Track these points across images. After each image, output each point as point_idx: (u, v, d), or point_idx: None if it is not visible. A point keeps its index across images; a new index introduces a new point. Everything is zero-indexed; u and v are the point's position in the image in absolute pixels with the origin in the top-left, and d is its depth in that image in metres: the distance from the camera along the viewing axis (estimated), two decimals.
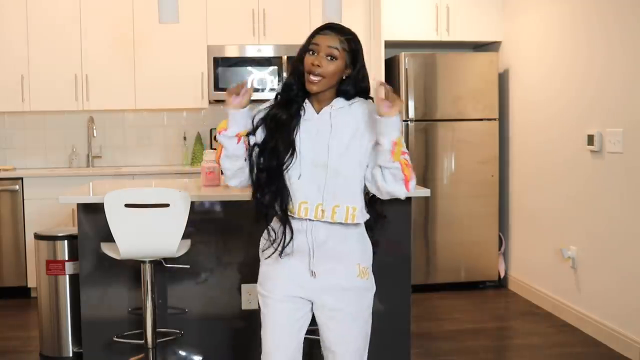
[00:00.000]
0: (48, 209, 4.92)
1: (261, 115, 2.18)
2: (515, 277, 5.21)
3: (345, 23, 5.38)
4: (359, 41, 2.15)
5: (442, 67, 5.15)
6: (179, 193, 2.91)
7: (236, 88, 2.12)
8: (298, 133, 2.12)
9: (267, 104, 2.20)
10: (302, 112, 2.14)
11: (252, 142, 2.16)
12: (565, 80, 4.40)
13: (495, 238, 5.29)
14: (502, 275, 5.31)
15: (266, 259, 2.20)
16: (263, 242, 2.24)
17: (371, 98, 2.21)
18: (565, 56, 4.40)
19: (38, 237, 3.74)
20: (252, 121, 2.16)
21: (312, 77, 2.08)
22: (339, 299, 2.16)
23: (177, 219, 2.92)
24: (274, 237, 2.15)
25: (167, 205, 2.90)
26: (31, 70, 5.22)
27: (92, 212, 3.28)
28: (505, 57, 5.28)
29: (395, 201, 3.43)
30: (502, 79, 5.32)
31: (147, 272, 3.06)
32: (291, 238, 2.13)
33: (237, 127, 2.14)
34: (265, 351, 2.19)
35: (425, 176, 5.15)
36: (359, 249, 2.20)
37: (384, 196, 2.17)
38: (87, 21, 5.26)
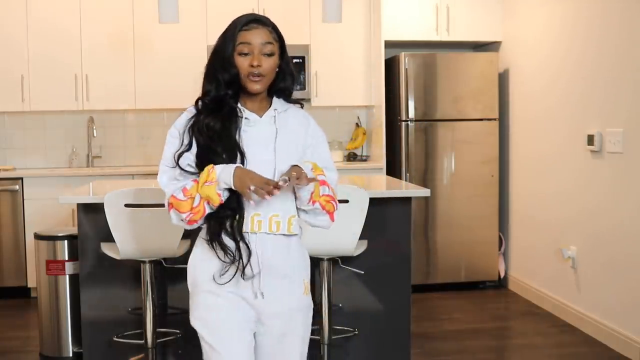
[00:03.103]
0: (48, 209, 4.91)
1: (184, 128, 1.97)
2: (515, 277, 5.21)
3: (345, 23, 5.39)
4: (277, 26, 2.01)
5: (442, 67, 5.15)
6: None
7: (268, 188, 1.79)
8: (241, 140, 1.93)
9: (185, 116, 1.99)
10: (240, 117, 1.95)
11: (187, 162, 1.93)
12: (565, 80, 4.40)
13: (495, 238, 5.29)
14: (502, 275, 5.31)
15: (223, 284, 1.91)
16: (193, 268, 1.98)
17: (300, 103, 2.10)
18: (565, 56, 4.40)
19: (38, 237, 3.74)
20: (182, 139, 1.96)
21: (254, 78, 1.91)
22: (287, 322, 1.99)
23: None
24: (232, 258, 1.89)
25: None
26: (31, 70, 5.22)
27: (92, 212, 3.28)
28: (505, 57, 5.29)
29: (395, 201, 3.45)
30: (502, 79, 5.32)
31: (147, 272, 3.06)
32: (249, 255, 1.89)
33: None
34: None
35: (425, 176, 5.15)
36: (302, 263, 2.04)
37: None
38: (87, 21, 5.26)
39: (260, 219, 1.90)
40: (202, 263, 1.96)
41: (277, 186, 1.77)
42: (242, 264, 1.89)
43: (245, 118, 1.96)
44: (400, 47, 5.41)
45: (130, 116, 5.65)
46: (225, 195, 1.86)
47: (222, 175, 1.84)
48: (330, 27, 5.27)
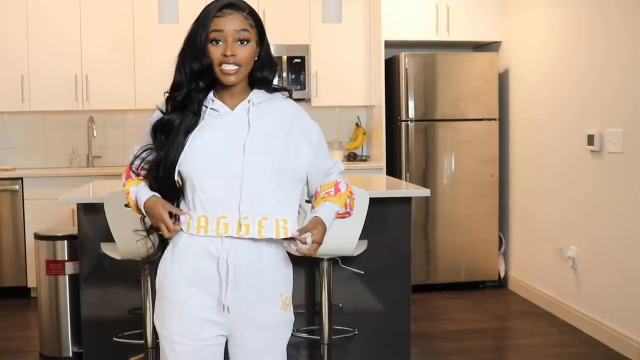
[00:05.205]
0: (48, 209, 4.92)
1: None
2: (515, 277, 5.21)
3: (345, 23, 5.37)
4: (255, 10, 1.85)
5: (442, 67, 5.15)
6: None
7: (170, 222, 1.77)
8: (201, 134, 1.78)
9: (156, 115, 1.86)
10: (205, 109, 1.81)
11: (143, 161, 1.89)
12: (565, 80, 4.40)
13: (495, 238, 5.29)
14: (502, 275, 5.31)
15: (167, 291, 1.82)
16: (162, 273, 1.85)
17: (286, 90, 1.93)
18: (565, 56, 4.40)
19: (38, 237, 3.74)
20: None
21: (228, 67, 1.75)
22: (259, 339, 1.82)
23: None
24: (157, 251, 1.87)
25: None
26: (31, 70, 5.22)
27: (92, 212, 3.28)
28: (505, 57, 5.29)
29: (395, 201, 3.45)
30: (502, 79, 5.32)
31: (147, 272, 3.06)
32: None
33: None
34: None
35: (425, 176, 5.15)
36: (282, 275, 1.85)
37: None
38: (87, 21, 5.26)
39: (248, 223, 1.74)
40: (171, 267, 1.81)
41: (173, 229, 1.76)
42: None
43: (212, 109, 1.81)
44: (400, 47, 5.41)
45: (130, 116, 5.65)
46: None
47: (137, 202, 1.85)
48: (330, 27, 5.27)
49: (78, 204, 3.33)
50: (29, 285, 4.99)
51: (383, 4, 5.21)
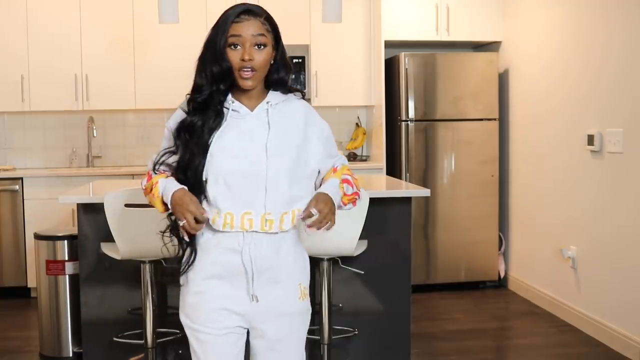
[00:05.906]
0: (48, 209, 4.91)
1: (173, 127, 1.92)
2: (515, 277, 5.21)
3: (345, 23, 5.36)
4: (271, 16, 1.92)
5: (442, 67, 5.15)
6: None
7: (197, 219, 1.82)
8: (225, 135, 1.86)
9: (178, 116, 1.92)
10: (227, 111, 1.88)
11: (170, 161, 1.94)
12: (566, 79, 4.40)
13: (495, 238, 5.29)
14: (502, 275, 5.31)
15: (190, 285, 1.94)
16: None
17: (299, 91, 2.01)
18: (566, 56, 4.40)
19: (38, 237, 3.74)
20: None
21: (246, 73, 1.83)
22: (280, 327, 1.91)
23: None
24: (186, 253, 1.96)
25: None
26: (31, 70, 5.22)
27: (92, 212, 3.28)
28: (505, 57, 5.29)
29: (395, 201, 3.45)
30: (502, 79, 5.32)
31: (147, 272, 3.06)
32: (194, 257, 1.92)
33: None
34: None
35: (425, 176, 5.15)
36: (299, 265, 1.96)
37: None
38: (87, 21, 5.26)
39: (271, 218, 1.84)
40: (194, 262, 1.93)
41: (200, 221, 1.81)
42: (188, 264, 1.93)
43: (233, 110, 1.88)
44: (400, 47, 5.41)
45: (130, 116, 5.65)
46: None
47: (164, 194, 1.88)
48: (330, 27, 5.27)
49: (78, 204, 3.32)
50: (29, 285, 4.99)
51: (383, 4, 5.21)
